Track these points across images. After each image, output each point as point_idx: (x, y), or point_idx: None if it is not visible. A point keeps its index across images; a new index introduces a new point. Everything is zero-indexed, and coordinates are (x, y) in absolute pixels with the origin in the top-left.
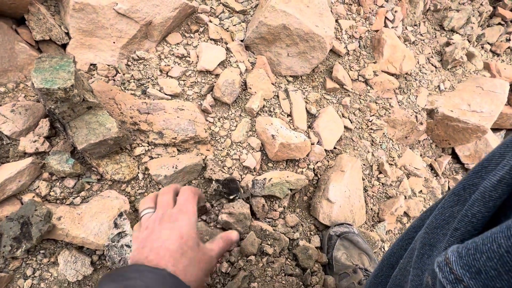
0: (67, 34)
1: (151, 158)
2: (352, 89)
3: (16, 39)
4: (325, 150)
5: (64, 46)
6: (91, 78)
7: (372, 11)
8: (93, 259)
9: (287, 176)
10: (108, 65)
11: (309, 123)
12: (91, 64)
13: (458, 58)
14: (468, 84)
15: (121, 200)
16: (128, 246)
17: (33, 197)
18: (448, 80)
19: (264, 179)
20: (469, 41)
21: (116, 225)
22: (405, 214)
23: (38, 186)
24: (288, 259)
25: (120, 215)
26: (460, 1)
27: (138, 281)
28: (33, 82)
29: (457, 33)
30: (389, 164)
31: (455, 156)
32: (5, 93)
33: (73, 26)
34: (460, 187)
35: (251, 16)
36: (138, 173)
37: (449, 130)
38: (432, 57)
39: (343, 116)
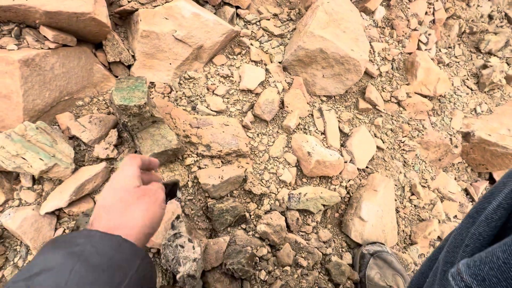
0: (133, 56)
1: (199, 168)
2: (384, 109)
3: (95, 61)
4: (358, 168)
5: (129, 66)
6: (151, 95)
7: (405, 34)
8: None
9: (321, 192)
10: (164, 84)
11: (342, 142)
12: (150, 83)
13: (496, 81)
14: (508, 108)
15: (174, 205)
16: (182, 246)
17: None
18: (485, 103)
19: (300, 193)
20: (508, 64)
21: (173, 227)
22: (439, 238)
23: None
24: (321, 273)
25: (177, 217)
26: (498, 23)
27: (88, 246)
28: (113, 100)
29: (494, 55)
30: (422, 186)
31: (492, 182)
32: (83, 106)
33: (139, 49)
34: (473, 211)
35: (288, 39)
36: (188, 181)
37: (486, 154)
38: (467, 79)
39: (375, 136)
